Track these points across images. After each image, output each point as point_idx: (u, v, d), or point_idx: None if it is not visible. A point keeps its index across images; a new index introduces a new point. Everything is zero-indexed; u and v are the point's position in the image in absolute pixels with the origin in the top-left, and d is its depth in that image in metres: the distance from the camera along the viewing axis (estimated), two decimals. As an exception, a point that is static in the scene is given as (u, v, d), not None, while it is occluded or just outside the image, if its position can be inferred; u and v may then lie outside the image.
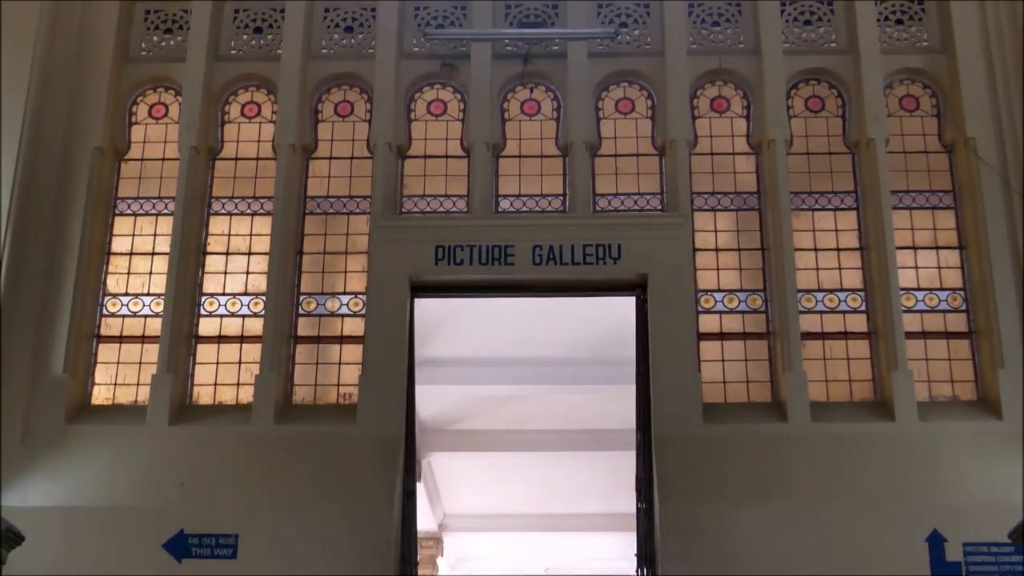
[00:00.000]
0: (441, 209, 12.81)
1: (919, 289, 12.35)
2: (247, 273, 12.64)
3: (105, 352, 12.45)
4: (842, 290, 12.40)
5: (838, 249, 12.54)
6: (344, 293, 12.58)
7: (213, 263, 12.71)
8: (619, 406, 14.73)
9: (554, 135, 12.99)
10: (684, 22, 13.10)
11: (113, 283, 12.64)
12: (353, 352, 12.33)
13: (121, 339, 12.47)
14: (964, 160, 12.59)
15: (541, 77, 13.17)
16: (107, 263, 12.70)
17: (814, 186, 12.74)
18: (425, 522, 19.72)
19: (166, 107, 13.28)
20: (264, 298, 12.31)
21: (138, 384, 12.23)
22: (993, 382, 11.80)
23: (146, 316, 12.50)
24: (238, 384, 12.29)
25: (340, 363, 12.35)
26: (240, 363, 12.34)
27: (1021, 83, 12.47)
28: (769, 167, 12.59)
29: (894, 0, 13.32)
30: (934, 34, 13.20)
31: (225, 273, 12.68)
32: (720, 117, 13.05)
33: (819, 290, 12.38)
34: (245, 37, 13.49)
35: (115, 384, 12.33)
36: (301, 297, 12.58)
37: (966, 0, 12.99)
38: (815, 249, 12.52)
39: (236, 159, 13.08)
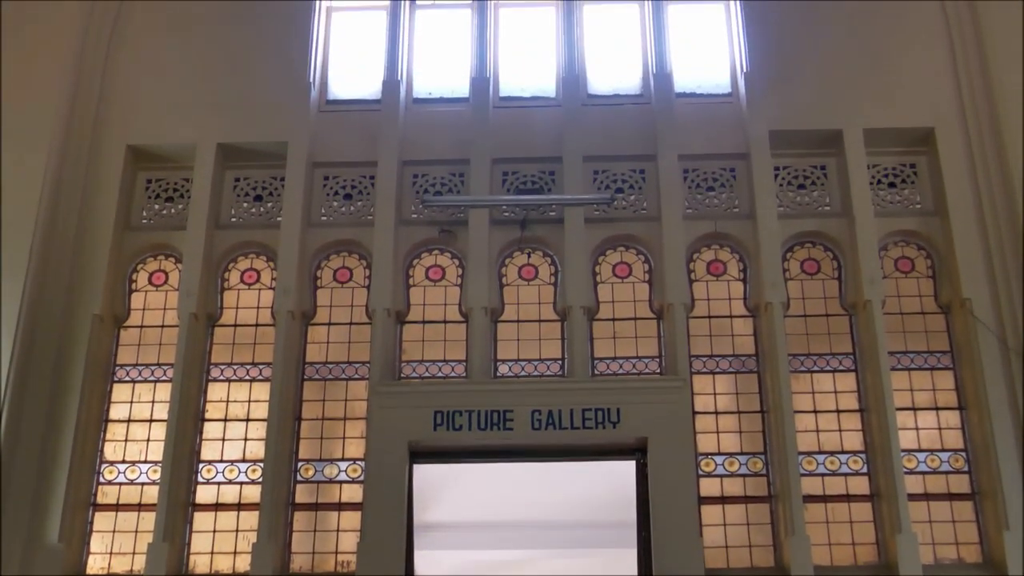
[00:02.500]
0: (440, 374, 13.16)
1: (920, 450, 12.68)
2: (245, 440, 12.96)
3: (101, 520, 12.71)
4: (843, 452, 12.72)
5: (838, 411, 12.89)
6: (342, 459, 12.87)
7: (211, 430, 13.04)
8: (620, 571, 14.81)
9: (552, 300, 13.40)
10: (679, 187, 13.56)
11: (110, 450, 12.97)
12: (351, 519, 12.57)
13: (117, 507, 12.75)
14: (961, 321, 12.99)
15: (538, 242, 13.63)
16: (104, 430, 13.04)
17: (812, 348, 13.14)
18: None
19: (166, 274, 13.76)
20: (262, 465, 12.58)
21: (134, 553, 12.50)
22: (999, 544, 12.02)
23: (143, 484, 12.80)
24: (235, 552, 12.52)
25: (338, 530, 12.59)
26: (237, 531, 12.59)
27: (1015, 243, 12.89)
28: (767, 330, 12.97)
29: (887, 164, 13.86)
30: (927, 197, 13.72)
31: (223, 440, 13.00)
32: (717, 280, 13.50)
33: (820, 452, 12.71)
34: (245, 205, 14.02)
35: (111, 553, 12.56)
36: (299, 463, 12.86)
37: (958, 162, 13.52)
38: (815, 411, 12.87)
39: (235, 325, 13.51)
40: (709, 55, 14.64)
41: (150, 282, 13.76)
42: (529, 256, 13.70)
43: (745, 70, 14.00)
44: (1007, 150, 13.25)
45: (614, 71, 14.63)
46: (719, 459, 12.73)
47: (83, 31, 14.16)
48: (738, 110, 14.02)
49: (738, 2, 14.51)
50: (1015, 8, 13.71)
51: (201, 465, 12.90)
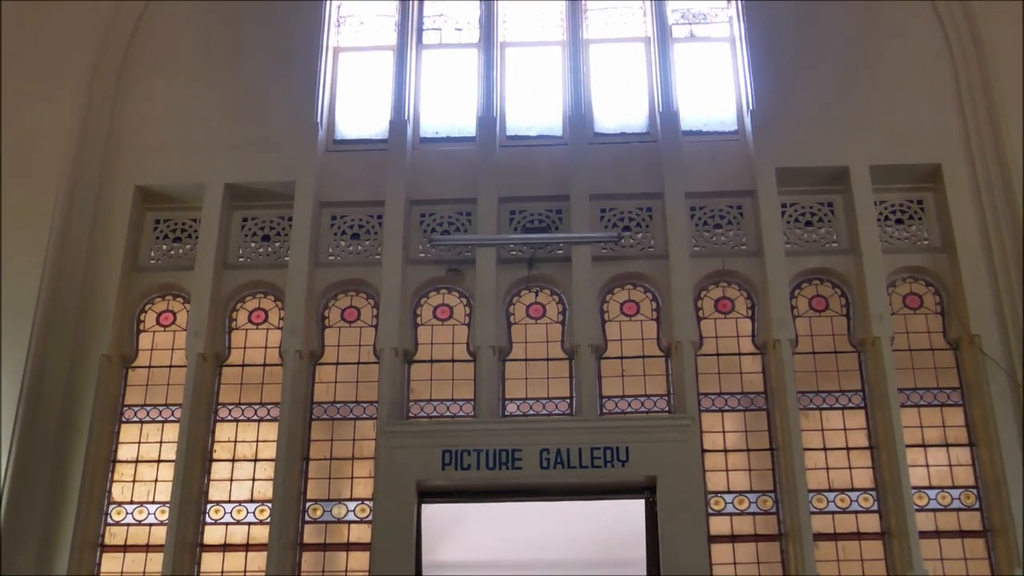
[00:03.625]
0: (448, 414, 13.28)
1: (931, 487, 12.77)
2: (253, 480, 13.08)
3: (109, 562, 12.82)
4: (853, 490, 12.81)
5: (847, 448, 12.98)
6: (351, 499, 12.98)
7: (219, 470, 13.16)
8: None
9: (560, 338, 13.53)
10: (686, 225, 13.70)
11: (118, 491, 13.09)
12: (360, 560, 12.67)
13: (125, 548, 12.86)
14: (970, 357, 13.07)
15: (546, 281, 13.76)
16: (112, 471, 13.16)
17: (821, 385, 13.23)
18: None
19: (174, 314, 13.91)
20: (270, 505, 12.68)
21: (142, 594, 12.58)
22: (1011, 581, 12.06)
23: (151, 524, 12.91)
24: (243, 593, 12.62)
25: (347, 571, 12.69)
26: (245, 572, 12.69)
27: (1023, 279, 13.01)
28: (775, 367, 13.06)
29: (894, 200, 13.99)
30: (934, 233, 13.84)
31: (231, 480, 13.12)
32: (725, 318, 13.63)
33: (830, 490, 12.80)
34: (253, 245, 14.17)
35: (119, 594, 12.65)
36: (307, 504, 12.96)
37: (965, 198, 13.64)
38: (824, 449, 12.97)
39: (243, 365, 13.64)
40: (715, 93, 14.82)
41: (158, 322, 13.91)
42: (537, 294, 13.83)
43: (751, 108, 14.15)
44: (1014, 185, 13.35)
45: (620, 110, 14.81)
46: (728, 497, 12.82)
47: (92, 71, 14.38)
48: (744, 148, 14.17)
49: (743, 41, 14.66)
50: (1020, 44, 13.87)
51: (209, 506, 13.01)
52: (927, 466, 12.85)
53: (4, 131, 13.69)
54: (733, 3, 15.17)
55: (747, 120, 14.23)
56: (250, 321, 13.89)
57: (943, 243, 13.74)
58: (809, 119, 14.07)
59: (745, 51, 14.59)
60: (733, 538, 12.66)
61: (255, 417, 13.39)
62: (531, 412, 13.24)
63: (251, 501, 13.02)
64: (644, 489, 12.60)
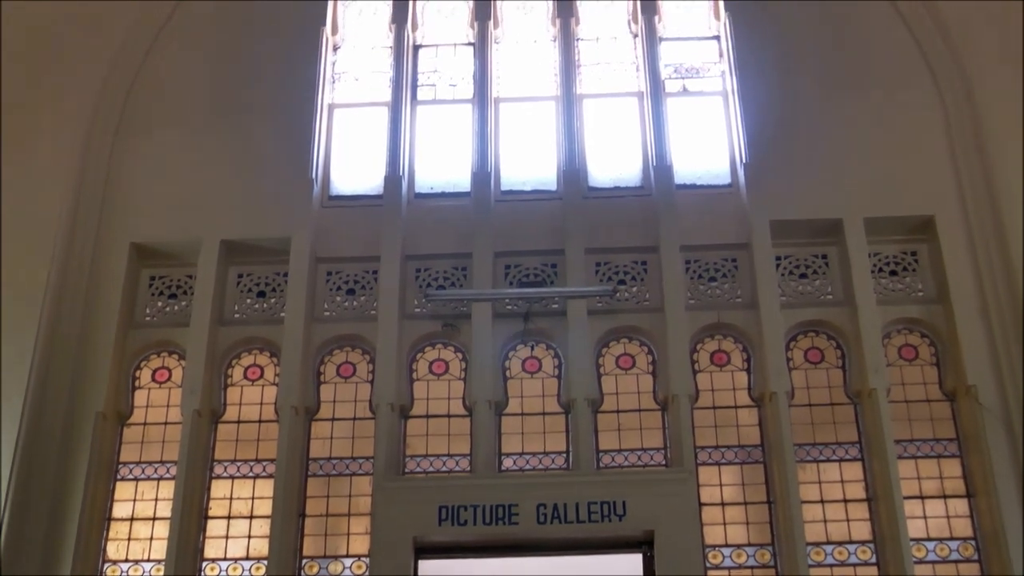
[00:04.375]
0: (444, 469, 13.33)
1: (930, 539, 12.79)
2: (249, 537, 13.09)
3: (105, 621, 12.81)
4: (851, 542, 12.83)
5: (845, 500, 13.01)
6: (347, 556, 12.97)
7: (215, 527, 13.17)
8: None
9: (556, 392, 13.60)
10: (681, 278, 13.78)
11: (113, 549, 13.08)
12: (357, 616, 12.68)
13: (121, 607, 12.87)
14: (967, 408, 13.11)
15: (542, 335, 13.84)
16: (107, 529, 13.16)
17: (818, 437, 13.28)
18: None
19: (169, 371, 13.98)
20: (266, 563, 12.66)
21: (138, 654, 12.57)
22: (1010, 633, 12.07)
23: (147, 583, 12.93)
24: (240, 652, 12.61)
25: (344, 628, 12.70)
26: (241, 630, 12.70)
27: (1018, 330, 13.06)
28: (772, 419, 13.11)
29: (888, 252, 14.11)
30: (929, 284, 13.95)
31: (227, 537, 13.12)
32: (721, 371, 13.70)
33: (828, 543, 12.82)
34: (249, 301, 14.26)
35: (115, 654, 12.64)
36: (303, 561, 12.96)
37: (959, 249, 13.77)
38: (822, 501, 13.00)
39: (239, 422, 13.69)
40: (708, 146, 14.99)
41: (153, 379, 13.97)
42: (532, 349, 13.91)
43: (744, 161, 14.28)
44: (1008, 236, 13.48)
45: (614, 163, 14.98)
46: (726, 551, 12.84)
47: (88, 128, 14.55)
48: (738, 200, 14.31)
49: (736, 94, 14.83)
50: (1012, 96, 14.03)
51: (205, 563, 13.01)
52: (925, 518, 12.88)
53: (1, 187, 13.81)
54: (725, 57, 15.36)
55: (740, 173, 14.36)
56: (246, 377, 13.95)
57: (938, 294, 13.84)
58: (802, 171, 14.22)
59: (738, 105, 14.75)
60: (732, 592, 12.69)
61: (251, 474, 13.42)
62: (528, 467, 13.28)
63: (247, 558, 13.02)
64: (642, 543, 12.58)
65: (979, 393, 13.05)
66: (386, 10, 16.05)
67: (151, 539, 13.11)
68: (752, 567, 12.77)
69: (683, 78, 15.52)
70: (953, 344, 13.46)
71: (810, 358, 13.75)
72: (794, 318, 13.75)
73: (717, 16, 15.74)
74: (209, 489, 13.37)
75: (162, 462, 13.47)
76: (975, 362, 13.21)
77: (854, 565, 12.73)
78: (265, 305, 14.24)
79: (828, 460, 13.20)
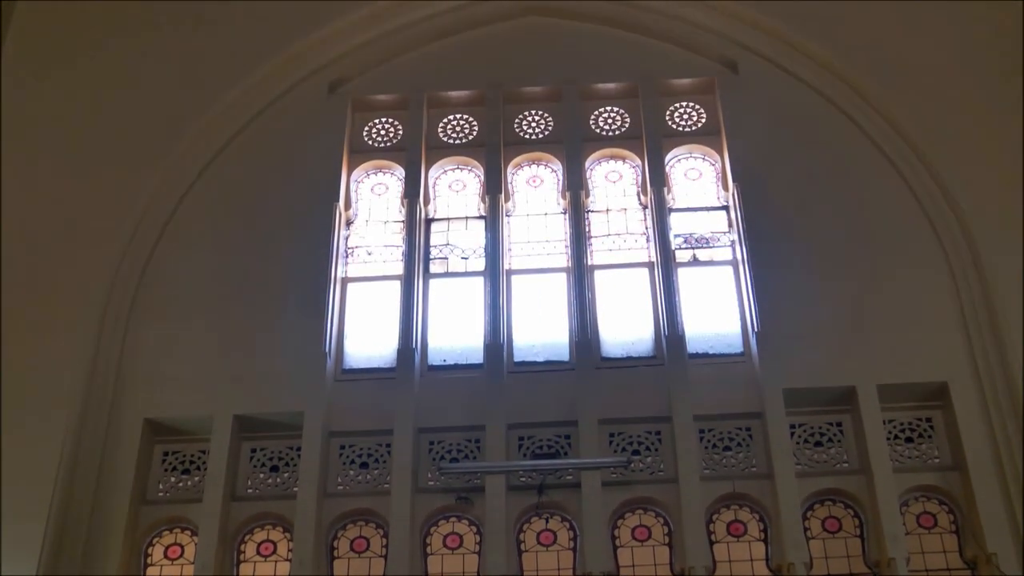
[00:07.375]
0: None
1: None
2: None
3: None
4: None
5: (868, 670, 13.07)
6: None
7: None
8: None
9: (572, 566, 13.67)
10: (696, 448, 13.97)
11: None
12: None
13: None
14: (988, 576, 13.23)
15: (556, 507, 13.98)
16: None
17: (840, 603, 13.39)
18: None
19: (182, 547, 14.13)
20: None
21: None
22: None
23: None
24: None
25: None
26: None
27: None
28: (791, 590, 13.22)
29: (902, 419, 14.36)
30: (945, 450, 14.16)
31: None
32: (738, 541, 13.81)
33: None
34: (262, 476, 14.48)
35: None
36: None
37: (973, 415, 13.99)
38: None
39: (254, 586, 13.83)
40: (720, 315, 15.36)
41: (166, 556, 14.11)
42: (547, 521, 14.04)
43: (756, 330, 14.60)
44: (1022, 400, 13.70)
45: (626, 334, 15.33)
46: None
47: (103, 307, 14.92)
48: (751, 369, 14.59)
49: (746, 264, 15.22)
50: (1018, 259, 14.45)
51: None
52: None
53: (15, 365, 14.19)
54: (735, 227, 15.82)
55: (753, 342, 14.66)
56: (259, 553, 14.10)
57: (954, 461, 14.03)
58: (814, 340, 14.51)
59: (748, 274, 15.12)
60: None
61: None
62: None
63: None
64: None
65: (1000, 560, 13.15)
66: (398, 185, 16.68)
67: None
68: None
69: (693, 248, 15.97)
70: (971, 511, 13.59)
71: (828, 527, 13.87)
72: (810, 487, 13.93)
73: (726, 186, 16.29)
74: (229, 651, 13.48)
75: (178, 642, 13.59)
76: (994, 529, 13.32)
77: None
78: (278, 480, 14.44)
79: (847, 631, 13.28)
